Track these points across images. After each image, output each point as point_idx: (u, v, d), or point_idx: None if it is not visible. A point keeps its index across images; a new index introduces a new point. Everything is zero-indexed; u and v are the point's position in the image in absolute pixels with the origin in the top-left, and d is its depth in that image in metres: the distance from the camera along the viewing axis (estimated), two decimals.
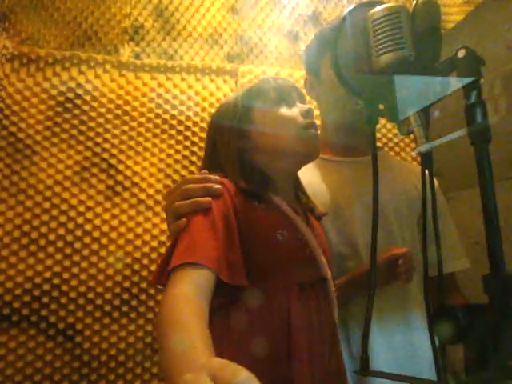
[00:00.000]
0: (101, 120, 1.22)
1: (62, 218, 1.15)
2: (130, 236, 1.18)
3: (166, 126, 1.27)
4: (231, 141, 0.73)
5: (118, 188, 1.20)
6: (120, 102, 1.24)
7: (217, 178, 0.65)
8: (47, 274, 1.11)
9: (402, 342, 0.79)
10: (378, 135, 1.41)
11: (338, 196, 0.83)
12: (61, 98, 1.20)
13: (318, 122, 0.76)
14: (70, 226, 1.15)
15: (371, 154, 0.55)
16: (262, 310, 0.61)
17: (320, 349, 0.64)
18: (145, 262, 1.17)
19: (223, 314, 0.61)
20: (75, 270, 1.13)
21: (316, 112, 0.86)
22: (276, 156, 0.72)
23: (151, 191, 1.22)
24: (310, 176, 0.85)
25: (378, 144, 1.04)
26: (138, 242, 1.18)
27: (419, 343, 0.79)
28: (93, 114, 1.22)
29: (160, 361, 0.46)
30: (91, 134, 1.21)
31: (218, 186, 0.63)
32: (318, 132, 0.74)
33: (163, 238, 1.20)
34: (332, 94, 0.86)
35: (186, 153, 1.27)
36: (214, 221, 0.59)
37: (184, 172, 1.26)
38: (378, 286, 0.79)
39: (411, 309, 0.81)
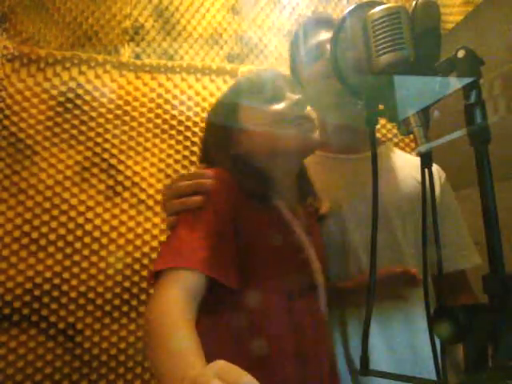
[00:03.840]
0: (101, 120, 1.22)
1: (63, 218, 1.15)
2: (130, 236, 1.18)
3: (166, 126, 1.27)
4: (223, 142, 0.70)
5: (119, 188, 1.20)
6: (120, 102, 1.24)
7: (210, 173, 0.62)
8: (47, 274, 1.11)
9: (402, 343, 0.79)
10: (378, 135, 1.41)
11: (336, 193, 0.83)
12: (61, 99, 1.20)
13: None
14: (71, 225, 1.15)
15: (371, 152, 0.55)
16: (252, 314, 0.59)
17: (310, 353, 0.62)
18: (145, 261, 1.17)
19: (214, 315, 0.60)
20: (75, 270, 1.13)
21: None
22: (270, 155, 0.69)
23: (151, 191, 1.22)
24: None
25: (380, 137, 1.03)
26: (138, 242, 1.18)
27: (421, 344, 0.78)
28: (93, 114, 1.22)
29: (155, 370, 0.45)
30: (91, 134, 1.21)
31: (211, 182, 0.61)
32: (315, 121, 0.71)
33: (163, 237, 1.20)
34: (321, 92, 0.84)
35: (186, 153, 1.27)
36: (204, 219, 0.58)
37: (184, 172, 1.26)
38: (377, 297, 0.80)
39: (413, 310, 0.80)
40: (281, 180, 0.71)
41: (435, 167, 0.84)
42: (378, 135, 1.43)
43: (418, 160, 0.93)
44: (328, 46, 0.81)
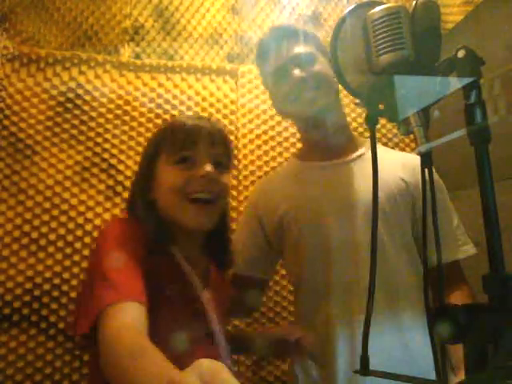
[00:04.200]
0: (101, 120, 1.22)
1: (63, 218, 1.15)
2: None
3: None
4: (140, 186, 0.72)
5: (119, 188, 1.20)
6: (120, 102, 1.24)
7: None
8: (47, 274, 1.11)
9: (394, 343, 0.79)
10: (378, 135, 1.41)
11: (313, 199, 0.85)
12: (61, 98, 1.20)
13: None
14: (71, 225, 1.15)
15: (371, 152, 0.55)
16: None
17: None
18: None
19: None
20: (75, 270, 1.13)
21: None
22: (170, 215, 0.70)
23: None
24: (288, 181, 0.91)
25: (366, 138, 1.03)
26: None
27: (412, 344, 0.79)
28: (93, 114, 1.22)
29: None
30: (91, 134, 1.21)
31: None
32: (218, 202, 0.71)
33: None
34: (284, 104, 0.88)
35: None
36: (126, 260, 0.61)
37: None
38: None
39: (403, 309, 0.81)
40: (185, 233, 0.72)
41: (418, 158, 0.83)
42: (377, 135, 1.43)
43: (404, 157, 0.93)
44: (292, 66, 0.84)
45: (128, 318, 0.55)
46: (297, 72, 0.83)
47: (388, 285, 0.79)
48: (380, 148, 0.94)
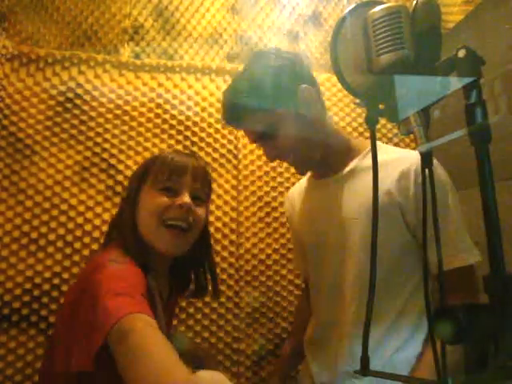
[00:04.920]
0: (101, 120, 1.22)
1: (62, 218, 1.15)
2: None
3: (165, 126, 1.27)
4: (127, 209, 0.78)
5: (118, 188, 1.20)
6: (120, 101, 1.24)
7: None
8: (47, 274, 1.11)
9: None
10: (378, 135, 1.41)
11: (311, 212, 0.94)
12: (61, 98, 1.20)
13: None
14: (70, 225, 1.15)
15: (371, 152, 0.55)
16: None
17: None
18: None
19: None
20: (75, 270, 1.13)
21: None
22: (146, 238, 0.76)
23: None
24: (301, 195, 0.99)
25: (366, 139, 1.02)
26: None
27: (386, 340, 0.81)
28: (93, 113, 1.22)
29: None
30: (91, 133, 1.21)
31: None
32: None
33: None
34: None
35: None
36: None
37: None
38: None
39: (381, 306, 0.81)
40: (160, 260, 0.79)
41: (417, 156, 0.78)
42: (378, 135, 1.43)
43: (399, 159, 0.89)
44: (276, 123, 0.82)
45: (154, 322, 0.57)
46: (266, 144, 0.87)
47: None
48: (378, 151, 0.91)
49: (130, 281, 0.66)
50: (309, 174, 1.00)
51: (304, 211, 0.97)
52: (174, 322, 1.18)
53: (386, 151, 0.87)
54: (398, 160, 0.82)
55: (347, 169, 0.87)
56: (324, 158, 0.88)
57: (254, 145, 0.98)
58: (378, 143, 0.89)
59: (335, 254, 0.86)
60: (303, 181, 1.03)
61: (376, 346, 0.79)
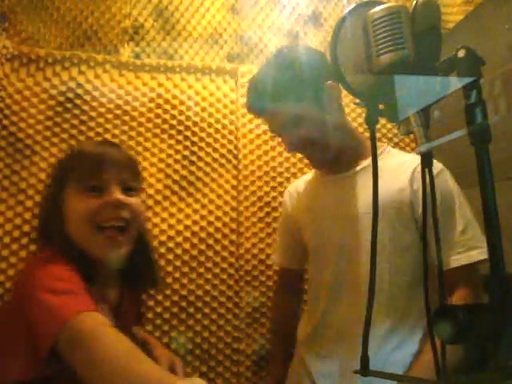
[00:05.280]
0: (101, 120, 1.22)
1: None
2: None
3: (165, 126, 1.27)
4: (51, 213, 0.70)
5: None
6: (120, 102, 1.24)
7: None
8: None
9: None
10: (378, 135, 1.41)
11: (319, 209, 0.93)
12: (61, 98, 1.20)
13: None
14: None
15: (371, 152, 0.55)
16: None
17: None
18: None
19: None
20: None
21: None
22: (81, 247, 0.68)
23: (151, 191, 1.22)
24: (307, 191, 1.00)
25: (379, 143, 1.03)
26: None
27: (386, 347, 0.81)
28: (93, 114, 1.22)
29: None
30: (91, 134, 1.21)
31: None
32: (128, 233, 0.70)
33: (163, 237, 1.20)
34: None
35: (186, 153, 1.27)
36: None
37: (184, 172, 1.26)
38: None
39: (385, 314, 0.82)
40: (99, 263, 0.70)
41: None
42: (377, 135, 1.43)
43: (409, 160, 0.91)
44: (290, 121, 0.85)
45: (101, 320, 0.54)
46: (287, 138, 0.89)
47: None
48: (388, 153, 0.92)
49: (72, 279, 0.60)
50: (314, 171, 1.01)
51: (312, 207, 0.96)
52: (174, 322, 1.18)
53: (398, 154, 0.93)
54: (410, 161, 0.87)
55: (360, 167, 0.90)
56: (339, 153, 0.90)
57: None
58: (390, 148, 0.92)
59: (346, 250, 0.86)
60: (307, 177, 1.04)
61: (378, 345, 0.79)
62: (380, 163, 0.90)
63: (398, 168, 0.87)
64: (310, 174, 1.05)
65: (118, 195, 0.68)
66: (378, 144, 0.94)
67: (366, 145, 0.92)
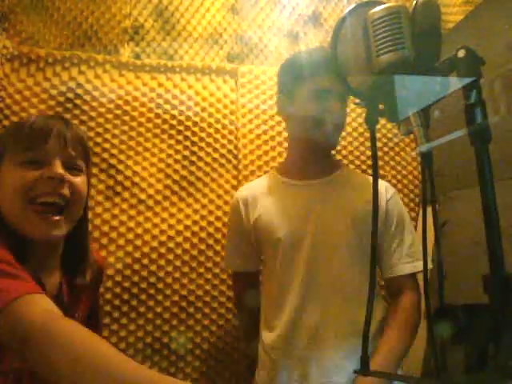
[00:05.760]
0: (101, 120, 1.22)
1: None
2: (130, 236, 1.18)
3: (165, 126, 1.27)
4: None
5: (118, 188, 1.20)
6: (120, 102, 1.24)
7: None
8: None
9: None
10: (378, 135, 1.41)
11: (292, 216, 0.92)
12: (61, 98, 1.20)
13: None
14: None
15: (371, 152, 0.55)
16: None
17: None
18: (145, 261, 1.17)
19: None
20: None
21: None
22: (12, 224, 0.62)
23: (151, 191, 1.22)
24: (269, 198, 0.96)
25: (349, 157, 1.04)
26: (138, 242, 1.18)
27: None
28: (93, 114, 1.22)
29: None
30: (91, 133, 1.21)
31: None
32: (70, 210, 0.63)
33: (163, 237, 1.20)
34: (301, 116, 0.91)
35: (186, 153, 1.27)
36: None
37: (184, 172, 1.26)
38: None
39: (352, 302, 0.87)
40: (36, 244, 0.64)
41: (383, 184, 0.95)
42: (378, 135, 1.43)
43: (369, 179, 0.97)
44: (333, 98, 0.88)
45: (49, 306, 0.50)
46: (336, 106, 0.89)
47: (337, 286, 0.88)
48: (355, 174, 1.05)
49: (7, 260, 0.55)
50: (273, 174, 1.02)
51: (280, 209, 0.93)
52: (174, 322, 1.18)
53: (360, 174, 1.04)
54: (370, 179, 0.96)
55: (334, 175, 0.96)
56: (321, 158, 0.96)
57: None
58: (353, 169, 1.02)
59: (317, 252, 0.89)
60: (262, 183, 1.02)
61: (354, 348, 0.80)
62: (352, 176, 0.99)
63: (364, 184, 0.96)
64: (262, 180, 1.03)
65: (58, 169, 0.62)
66: (337, 159, 1.04)
67: (335, 159, 1.03)
